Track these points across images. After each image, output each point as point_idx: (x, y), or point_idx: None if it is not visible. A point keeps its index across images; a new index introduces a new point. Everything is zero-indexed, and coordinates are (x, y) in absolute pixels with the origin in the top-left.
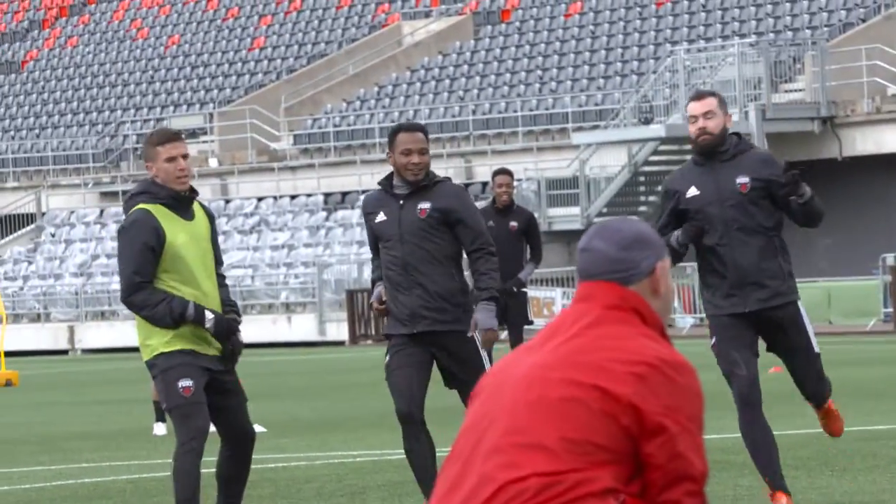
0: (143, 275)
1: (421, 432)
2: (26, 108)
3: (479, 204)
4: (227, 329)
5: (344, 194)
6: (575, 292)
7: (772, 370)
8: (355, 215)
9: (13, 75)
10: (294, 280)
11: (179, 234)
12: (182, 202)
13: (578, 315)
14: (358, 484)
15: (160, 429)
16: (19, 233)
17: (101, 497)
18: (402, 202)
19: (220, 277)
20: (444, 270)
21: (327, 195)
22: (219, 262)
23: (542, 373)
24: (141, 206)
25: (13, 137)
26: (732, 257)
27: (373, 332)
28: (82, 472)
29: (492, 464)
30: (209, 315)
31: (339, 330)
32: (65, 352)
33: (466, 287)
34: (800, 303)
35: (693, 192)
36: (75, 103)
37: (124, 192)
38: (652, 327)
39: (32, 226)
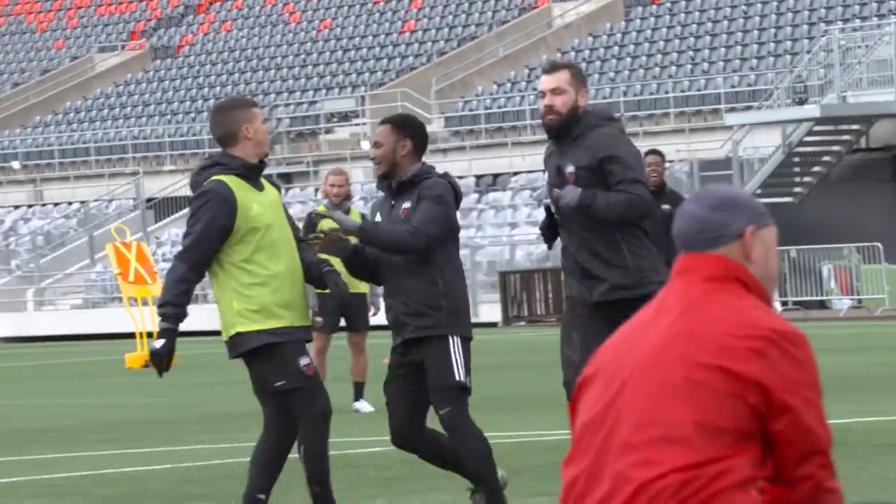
0: (202, 250)
1: (417, 447)
2: (182, 92)
3: None
4: (158, 366)
5: (495, 176)
6: (673, 266)
7: None
8: (506, 197)
9: (169, 60)
10: None
11: (254, 204)
12: (254, 172)
13: (682, 291)
14: (512, 465)
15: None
16: (176, 215)
17: None
18: (392, 202)
19: (299, 243)
20: (425, 273)
21: (479, 177)
22: (294, 229)
23: (661, 357)
24: (216, 177)
25: (169, 121)
26: (572, 253)
27: (526, 314)
28: (242, 451)
29: (625, 462)
30: (157, 343)
31: (491, 311)
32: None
33: (450, 289)
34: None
35: (546, 177)
36: (229, 87)
37: (278, 176)
38: (756, 294)
39: (188, 209)
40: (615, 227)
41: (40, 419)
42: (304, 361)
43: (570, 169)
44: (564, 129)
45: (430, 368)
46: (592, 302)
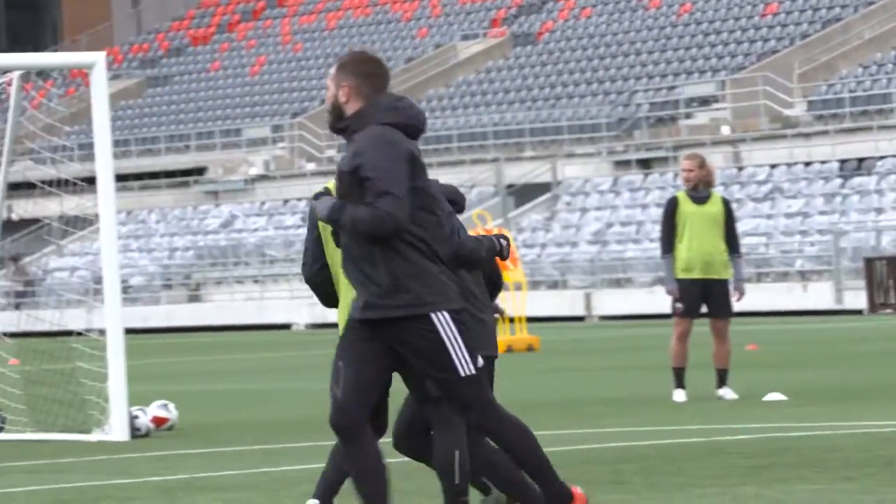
0: None
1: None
2: (541, 78)
3: None
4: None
5: (860, 160)
6: None
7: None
8: (872, 182)
9: (529, 46)
10: (809, 248)
11: None
12: None
13: None
14: (887, 455)
15: (680, 395)
16: (536, 201)
17: (626, 461)
18: None
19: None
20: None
21: (843, 162)
22: None
23: None
24: None
25: (529, 108)
26: (344, 262)
27: (893, 301)
28: (605, 436)
29: None
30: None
31: (856, 298)
32: (581, 318)
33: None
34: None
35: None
36: (588, 73)
37: (637, 162)
38: None
39: (549, 194)
40: (371, 241)
41: None
42: None
43: (342, 170)
44: (335, 127)
45: None
46: (357, 319)
